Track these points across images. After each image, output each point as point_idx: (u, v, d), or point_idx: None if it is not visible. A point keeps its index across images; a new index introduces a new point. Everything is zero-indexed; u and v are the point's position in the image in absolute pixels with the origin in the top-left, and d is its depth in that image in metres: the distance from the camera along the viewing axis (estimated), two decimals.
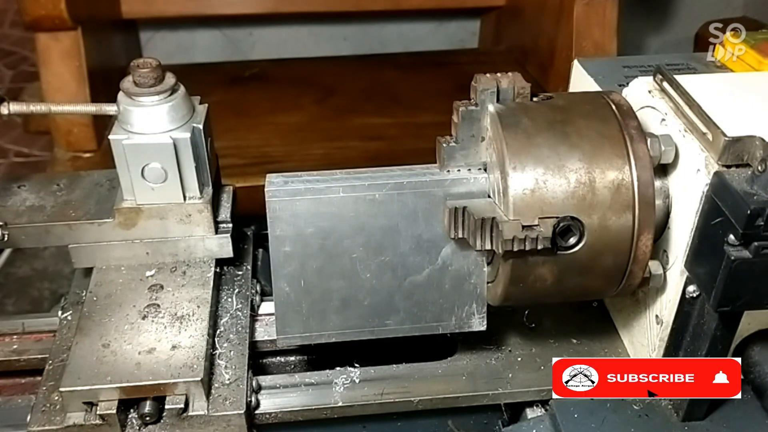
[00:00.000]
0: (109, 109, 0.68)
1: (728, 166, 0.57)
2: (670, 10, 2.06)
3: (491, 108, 0.60)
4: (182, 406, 0.62)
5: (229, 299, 0.74)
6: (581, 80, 0.77)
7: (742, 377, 0.67)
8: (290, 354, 0.77)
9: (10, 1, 2.20)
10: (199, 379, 0.62)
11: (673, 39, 2.07)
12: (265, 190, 0.62)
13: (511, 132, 0.59)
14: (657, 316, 0.65)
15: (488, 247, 0.59)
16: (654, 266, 0.62)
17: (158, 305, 0.69)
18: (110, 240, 0.72)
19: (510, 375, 0.70)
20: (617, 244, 0.59)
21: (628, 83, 0.69)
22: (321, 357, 0.74)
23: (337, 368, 0.70)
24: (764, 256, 0.54)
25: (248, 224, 0.81)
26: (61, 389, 0.61)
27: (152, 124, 0.67)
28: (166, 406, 0.63)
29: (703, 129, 0.58)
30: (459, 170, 0.63)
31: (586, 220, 0.58)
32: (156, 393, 0.63)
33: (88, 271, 0.73)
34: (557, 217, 0.57)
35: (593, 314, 0.75)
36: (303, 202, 0.62)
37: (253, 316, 0.74)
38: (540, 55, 1.66)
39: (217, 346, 0.68)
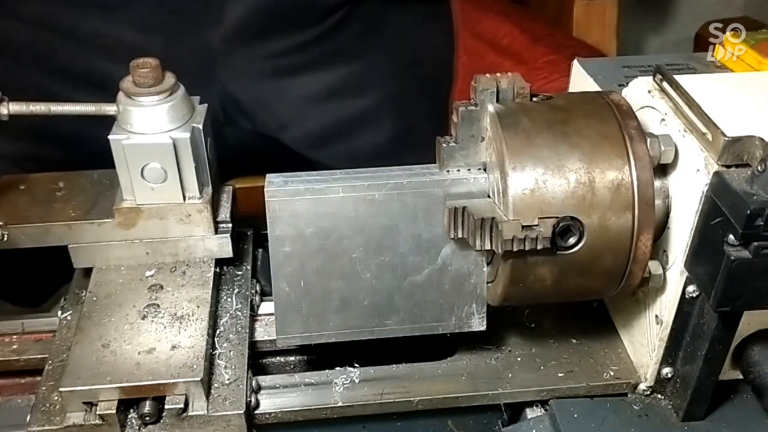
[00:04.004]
0: (108, 109, 0.68)
1: (728, 166, 0.56)
2: (670, 10, 2.06)
3: (491, 108, 0.60)
4: (182, 406, 0.62)
5: (229, 299, 0.74)
6: (581, 80, 0.77)
7: (742, 377, 0.67)
8: (290, 354, 0.77)
9: None
10: (198, 379, 0.62)
11: (673, 39, 2.06)
12: (265, 190, 0.62)
13: (510, 132, 0.59)
14: (657, 316, 0.65)
15: (488, 247, 0.59)
16: (654, 266, 0.62)
17: (158, 305, 0.69)
18: (110, 240, 0.72)
19: (510, 375, 0.70)
20: (617, 244, 0.59)
21: (628, 83, 0.69)
22: (321, 357, 0.74)
23: (337, 368, 0.70)
24: (764, 256, 0.54)
25: (248, 224, 0.81)
26: (61, 389, 0.61)
27: (152, 124, 0.67)
28: (166, 406, 0.63)
29: (703, 129, 0.58)
30: (459, 170, 0.63)
31: (586, 220, 0.58)
32: (156, 393, 0.63)
33: (88, 271, 0.73)
34: (557, 217, 0.57)
35: (593, 314, 0.75)
36: (303, 202, 0.62)
37: (253, 316, 0.74)
38: None
39: (217, 346, 0.68)
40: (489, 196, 0.62)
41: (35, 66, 1.00)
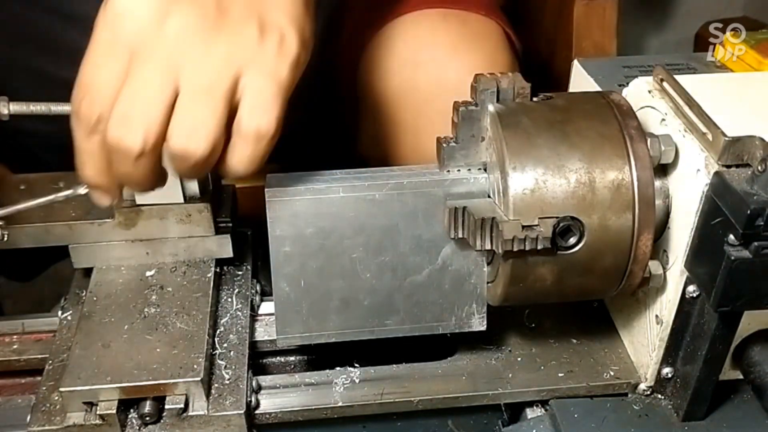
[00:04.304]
0: None
1: (728, 166, 0.56)
2: (670, 10, 2.06)
3: (491, 108, 0.60)
4: (182, 406, 0.62)
5: (229, 299, 0.74)
6: (581, 80, 0.77)
7: (742, 377, 0.67)
8: (290, 354, 0.77)
9: None
10: (199, 379, 0.62)
11: (673, 39, 2.06)
12: (265, 190, 0.62)
13: (511, 132, 0.59)
14: (657, 316, 0.65)
15: (488, 247, 0.59)
16: (654, 266, 0.62)
17: (158, 305, 0.69)
18: (110, 240, 0.72)
19: (510, 375, 0.70)
20: (617, 244, 0.59)
21: (628, 83, 0.69)
22: (321, 357, 0.74)
23: (337, 368, 0.70)
24: (764, 256, 0.54)
25: (248, 224, 0.81)
26: (61, 389, 0.61)
27: None
28: (166, 406, 0.63)
29: (703, 129, 0.58)
30: (459, 170, 0.63)
31: (586, 220, 0.58)
32: (156, 393, 0.63)
33: (88, 271, 0.73)
34: (557, 217, 0.57)
35: (593, 314, 0.75)
36: (303, 202, 0.62)
37: (253, 316, 0.74)
38: (540, 55, 1.66)
39: (217, 346, 0.68)
40: (489, 196, 0.62)
41: (34, 47, 0.99)
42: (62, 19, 0.99)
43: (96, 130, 0.54)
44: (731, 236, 0.54)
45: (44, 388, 0.65)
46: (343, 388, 0.68)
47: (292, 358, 0.78)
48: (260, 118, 0.55)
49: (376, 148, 1.01)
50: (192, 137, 0.54)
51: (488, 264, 0.64)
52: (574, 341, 0.73)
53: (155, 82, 0.53)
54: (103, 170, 0.56)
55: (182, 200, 0.70)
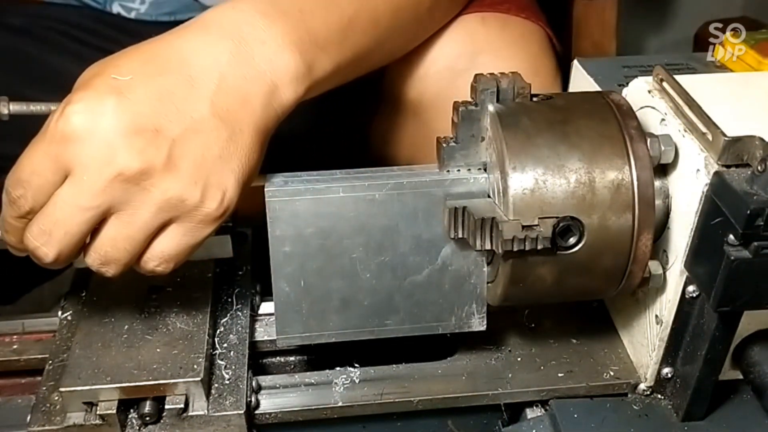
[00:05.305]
0: None
1: (728, 166, 0.56)
2: (669, 10, 2.06)
3: (491, 108, 0.60)
4: (182, 406, 0.62)
5: (229, 299, 0.74)
6: (581, 80, 0.77)
7: (742, 377, 0.67)
8: (290, 354, 0.77)
9: None
10: (199, 379, 0.62)
11: (673, 39, 2.06)
12: (265, 190, 0.62)
13: (511, 132, 0.59)
14: (657, 316, 0.65)
15: (488, 247, 0.59)
16: (654, 266, 0.62)
17: (158, 305, 0.69)
18: None
19: (510, 375, 0.70)
20: (617, 244, 0.59)
21: (628, 83, 0.69)
22: (321, 357, 0.74)
23: (337, 368, 0.70)
24: (764, 256, 0.54)
25: (248, 224, 0.81)
26: (61, 389, 0.61)
27: None
28: (166, 406, 0.63)
29: (703, 129, 0.58)
30: (459, 170, 0.63)
31: (586, 220, 0.58)
32: (156, 393, 0.63)
33: (88, 271, 0.73)
34: (557, 217, 0.57)
35: (593, 314, 0.75)
36: (303, 202, 0.62)
37: (253, 316, 0.74)
38: None
39: (217, 346, 0.68)
40: (489, 196, 0.62)
41: (17, 73, 0.99)
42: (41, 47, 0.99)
43: (25, 217, 0.58)
44: (731, 236, 0.54)
45: (44, 388, 0.65)
46: (343, 388, 0.68)
47: (292, 358, 0.78)
48: (159, 266, 0.60)
49: (400, 152, 0.99)
50: (105, 266, 0.59)
51: (488, 264, 0.64)
52: (574, 341, 0.73)
53: (84, 214, 0.56)
54: (22, 240, 0.59)
55: None
